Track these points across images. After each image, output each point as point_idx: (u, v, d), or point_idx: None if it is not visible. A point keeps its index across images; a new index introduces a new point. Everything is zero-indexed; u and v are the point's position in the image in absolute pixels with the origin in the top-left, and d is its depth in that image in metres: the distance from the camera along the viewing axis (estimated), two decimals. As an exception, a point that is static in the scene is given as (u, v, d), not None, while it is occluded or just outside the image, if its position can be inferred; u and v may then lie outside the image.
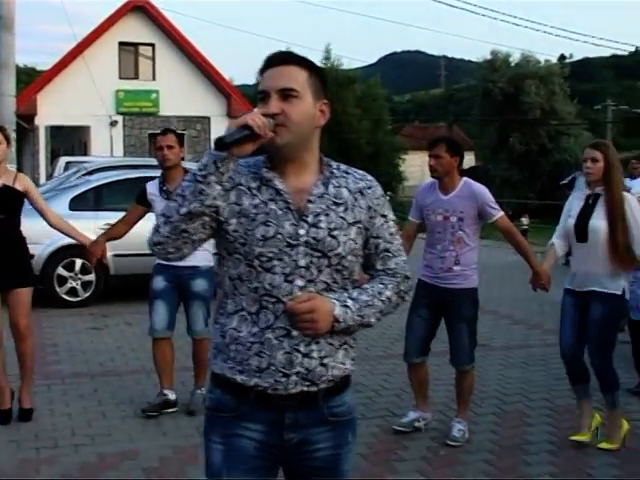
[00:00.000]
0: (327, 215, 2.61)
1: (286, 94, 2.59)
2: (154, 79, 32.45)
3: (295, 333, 2.57)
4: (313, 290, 2.59)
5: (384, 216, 2.75)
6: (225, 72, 34.02)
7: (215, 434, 2.70)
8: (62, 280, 11.40)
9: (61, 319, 10.49)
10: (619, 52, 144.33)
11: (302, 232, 2.57)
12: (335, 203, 2.63)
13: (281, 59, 2.65)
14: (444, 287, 5.92)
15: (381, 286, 2.72)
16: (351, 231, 2.64)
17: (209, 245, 5.41)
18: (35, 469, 5.36)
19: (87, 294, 11.58)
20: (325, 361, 2.62)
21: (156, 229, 2.57)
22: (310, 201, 2.61)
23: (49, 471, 5.31)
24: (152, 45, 32.37)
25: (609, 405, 5.88)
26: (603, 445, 5.79)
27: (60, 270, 11.31)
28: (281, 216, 2.57)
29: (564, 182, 17.68)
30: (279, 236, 2.56)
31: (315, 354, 2.60)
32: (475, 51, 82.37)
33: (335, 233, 2.60)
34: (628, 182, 13.87)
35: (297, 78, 2.61)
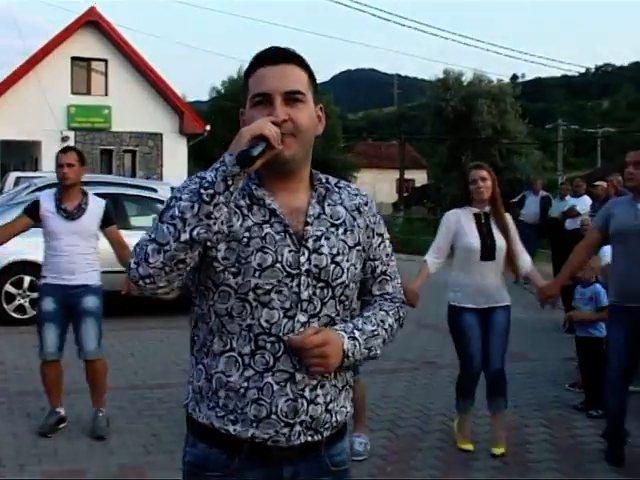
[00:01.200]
0: (328, 239, 2.29)
1: (293, 98, 2.27)
2: (106, 95, 32.28)
3: (299, 377, 2.23)
4: (316, 326, 2.26)
5: (381, 235, 2.46)
6: (178, 88, 34.00)
7: None
8: (10, 297, 11.24)
9: (9, 337, 10.35)
10: (570, 72, 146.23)
11: (303, 260, 2.24)
12: (333, 224, 2.32)
13: (282, 56, 2.31)
14: None
15: (383, 313, 2.43)
16: (352, 255, 2.34)
17: (98, 264, 5.32)
18: (-22, 489, 5.29)
19: (35, 312, 11.41)
20: (330, 406, 2.30)
21: (143, 259, 2.10)
22: (308, 223, 2.28)
23: (-8, 491, 5.25)
24: (105, 61, 32.23)
25: (502, 407, 6.10)
26: (497, 450, 5.99)
27: (8, 287, 11.17)
28: (279, 241, 2.23)
29: (514, 200, 17.90)
30: (278, 265, 2.21)
31: (321, 399, 2.27)
32: (428, 70, 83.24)
33: (338, 259, 2.29)
34: (572, 200, 14.11)
35: (301, 79, 2.31)
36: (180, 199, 2.12)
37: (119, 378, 7.77)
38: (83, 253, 6.34)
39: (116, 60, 32.07)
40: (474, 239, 5.90)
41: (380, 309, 2.44)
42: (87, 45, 31.72)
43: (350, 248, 2.33)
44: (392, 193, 55.87)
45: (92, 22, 31.52)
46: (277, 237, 2.23)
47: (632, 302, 5.66)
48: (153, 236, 2.10)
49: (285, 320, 2.22)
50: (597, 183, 13.91)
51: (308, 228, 2.27)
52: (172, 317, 10.36)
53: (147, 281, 2.12)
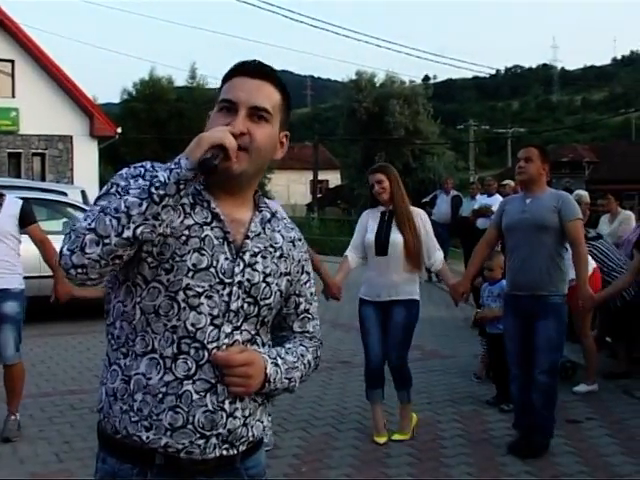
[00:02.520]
0: (264, 258, 2.26)
1: (257, 114, 2.24)
2: (13, 96, 31.60)
3: (220, 388, 2.15)
4: (239, 339, 2.20)
5: (308, 274, 2.43)
6: (88, 90, 33.49)
7: None
8: None
9: None
10: (481, 74, 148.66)
11: (237, 270, 2.19)
12: (272, 246, 2.30)
13: (260, 71, 2.29)
14: None
15: (303, 348, 2.39)
16: (282, 282, 2.31)
17: (20, 267, 5.22)
18: None
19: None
20: (247, 420, 2.23)
21: (79, 247, 2.01)
22: (248, 237, 2.25)
23: None
24: (11, 61, 31.56)
25: (404, 400, 6.42)
26: (396, 437, 6.33)
27: None
28: (217, 247, 2.18)
29: (426, 200, 18.09)
30: (212, 269, 2.16)
31: (239, 413, 2.20)
32: (341, 71, 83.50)
33: (269, 280, 2.26)
34: (484, 199, 14.31)
35: (272, 98, 2.29)
36: (127, 192, 2.05)
37: (30, 386, 7.60)
38: (1, 256, 6.20)
39: (23, 61, 31.42)
40: (371, 235, 6.25)
41: (300, 344, 2.40)
42: (-7, 46, 31.07)
43: (282, 274, 2.30)
44: (306, 194, 55.96)
45: (-2, 22, 30.88)
46: (215, 242, 2.18)
47: (521, 291, 6.01)
48: (93, 225, 2.01)
49: (211, 327, 2.16)
50: (505, 182, 14.16)
51: (247, 241, 2.24)
52: (91, 322, 10.22)
53: (79, 271, 2.02)
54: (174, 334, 2.14)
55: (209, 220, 2.19)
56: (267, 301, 2.25)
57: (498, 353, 7.01)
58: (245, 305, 2.20)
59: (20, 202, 6.44)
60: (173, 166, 2.06)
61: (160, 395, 2.13)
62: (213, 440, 2.16)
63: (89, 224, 2.02)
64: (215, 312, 2.16)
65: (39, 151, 32.26)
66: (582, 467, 5.71)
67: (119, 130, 31.90)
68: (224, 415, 2.16)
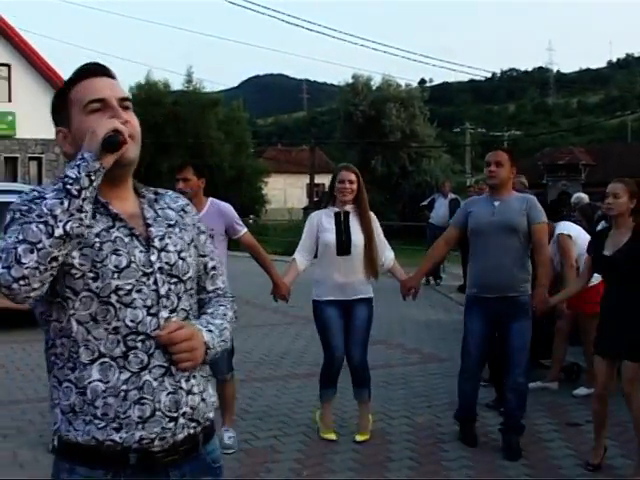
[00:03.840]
0: (170, 237, 2.38)
1: (124, 105, 2.37)
2: (10, 101, 31.63)
3: (174, 369, 2.26)
4: (177, 320, 2.32)
5: (204, 232, 2.57)
6: (85, 94, 33.45)
7: None
8: None
9: None
10: (476, 77, 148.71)
11: (154, 258, 2.30)
12: (170, 225, 2.42)
13: (103, 71, 2.41)
14: None
15: (222, 308, 2.53)
16: (191, 251, 2.44)
17: None
18: None
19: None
20: (204, 396, 2.37)
21: (14, 261, 2.03)
22: (149, 225, 2.36)
23: None
24: (8, 65, 31.59)
25: (364, 399, 6.55)
26: (360, 438, 6.43)
27: None
28: (129, 243, 2.28)
29: (424, 204, 18.08)
30: (133, 265, 2.25)
31: (196, 389, 2.33)
32: (337, 75, 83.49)
33: (183, 255, 2.38)
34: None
35: (123, 89, 2.45)
36: (42, 200, 2.10)
37: (29, 391, 7.61)
38: None
39: (19, 65, 31.45)
40: (331, 235, 6.30)
41: (219, 304, 2.54)
42: (-11, 50, 31.06)
43: (188, 244, 2.44)
44: (303, 198, 55.93)
45: (-6, 26, 30.88)
46: (126, 239, 2.28)
47: (489, 293, 6.14)
48: (21, 237, 2.05)
49: (149, 318, 2.25)
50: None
51: (151, 229, 2.35)
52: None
53: (21, 283, 2.04)
54: (117, 334, 2.22)
55: (112, 223, 2.29)
56: (188, 275, 2.39)
57: (499, 356, 7.00)
58: (172, 287, 2.32)
59: None
60: (79, 162, 2.16)
61: (122, 393, 2.20)
62: (181, 420, 2.27)
63: (16, 238, 2.05)
64: (148, 303, 2.27)
65: (36, 155, 32.29)
66: (583, 470, 5.72)
67: (115, 134, 31.83)
68: (184, 393, 2.28)
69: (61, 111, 2.38)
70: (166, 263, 2.32)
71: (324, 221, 6.39)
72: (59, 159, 32.22)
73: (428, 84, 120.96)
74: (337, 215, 6.37)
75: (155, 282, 2.28)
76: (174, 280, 2.33)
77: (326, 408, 6.54)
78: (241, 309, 13.59)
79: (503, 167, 6.15)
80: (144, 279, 2.26)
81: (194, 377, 2.33)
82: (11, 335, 10.94)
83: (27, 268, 2.03)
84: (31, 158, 32.31)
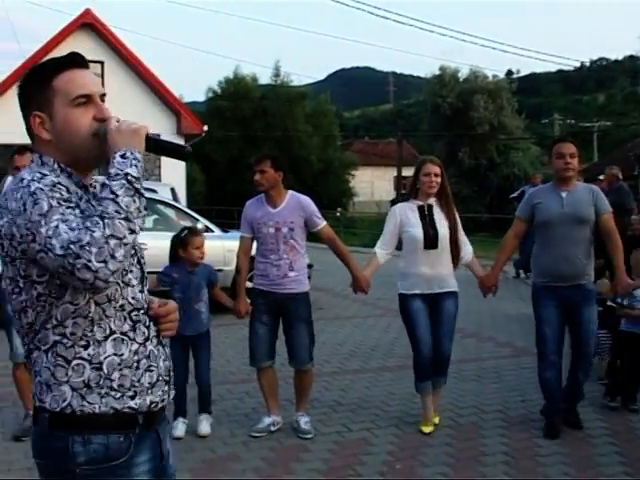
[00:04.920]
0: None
1: (103, 100, 2.50)
2: (103, 97, 32.24)
3: (161, 338, 2.54)
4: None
5: None
6: (175, 89, 33.94)
7: None
8: None
9: None
10: (565, 67, 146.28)
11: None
12: None
13: (85, 62, 2.54)
14: (281, 293, 6.34)
15: None
16: None
17: None
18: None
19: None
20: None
21: (109, 255, 2.13)
22: None
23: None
24: (101, 63, 32.17)
25: (441, 385, 6.67)
26: (436, 420, 6.60)
27: None
28: None
29: (514, 195, 17.90)
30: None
31: (168, 355, 2.61)
32: (424, 67, 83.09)
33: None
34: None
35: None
36: (115, 195, 2.19)
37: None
38: None
39: (112, 62, 32.01)
40: (418, 230, 6.31)
41: None
42: (83, 47, 31.54)
43: None
44: (390, 190, 55.82)
45: (87, 24, 31.49)
46: None
47: (564, 282, 6.26)
48: (109, 232, 2.13)
49: (140, 294, 2.47)
50: (601, 176, 14.02)
51: None
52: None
53: (115, 276, 2.18)
54: (124, 311, 2.40)
55: None
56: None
57: (632, 354, 6.92)
58: (144, 266, 2.55)
59: None
60: (134, 161, 2.29)
61: (135, 364, 2.41)
62: (171, 383, 2.56)
63: (102, 233, 2.14)
64: (136, 282, 2.46)
65: None
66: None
67: (205, 128, 32.24)
68: (168, 360, 2.57)
69: (39, 96, 2.43)
70: (137, 245, 2.48)
71: (409, 215, 6.41)
72: (149, 154, 32.72)
73: (516, 75, 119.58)
74: (421, 208, 6.40)
75: (139, 262, 2.51)
76: (143, 260, 2.55)
77: (425, 401, 6.54)
78: (330, 301, 13.72)
79: (576, 158, 6.30)
80: (133, 260, 2.45)
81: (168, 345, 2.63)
82: None
83: (120, 262, 2.16)
84: (123, 152, 32.91)
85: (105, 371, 2.35)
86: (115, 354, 2.36)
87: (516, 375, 8.27)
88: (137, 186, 2.23)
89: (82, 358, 2.34)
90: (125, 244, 2.16)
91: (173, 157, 2.59)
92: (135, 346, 2.41)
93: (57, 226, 2.15)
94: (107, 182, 2.22)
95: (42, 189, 2.22)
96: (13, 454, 5.93)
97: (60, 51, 29.36)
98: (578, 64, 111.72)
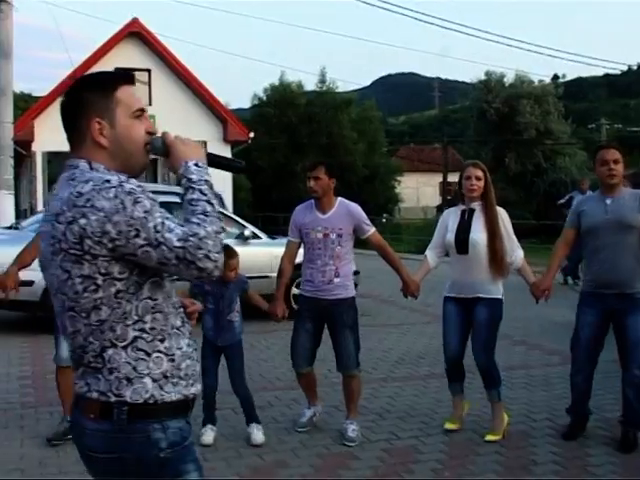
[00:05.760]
0: None
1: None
2: (150, 104, 32.46)
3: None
4: None
5: None
6: (221, 96, 34.11)
7: (192, 471, 2.64)
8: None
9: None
10: (612, 71, 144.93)
11: None
12: None
13: (135, 78, 2.74)
14: (326, 299, 6.37)
15: None
16: None
17: None
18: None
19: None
20: None
21: (221, 246, 2.44)
22: None
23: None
24: (148, 70, 32.46)
25: (493, 399, 6.52)
26: (489, 437, 6.39)
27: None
28: None
29: (561, 202, 17.74)
30: None
31: None
32: (469, 72, 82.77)
33: None
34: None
35: None
36: (206, 196, 2.49)
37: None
38: None
39: (159, 70, 32.30)
40: (451, 234, 6.41)
41: None
42: (130, 56, 31.96)
43: None
44: (436, 196, 55.75)
45: (134, 33, 31.80)
46: None
47: (609, 289, 6.20)
48: (215, 227, 2.42)
49: (175, 294, 2.68)
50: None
51: None
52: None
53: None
54: (174, 308, 2.62)
55: None
56: None
57: None
58: None
59: None
60: (204, 170, 2.58)
61: (191, 355, 2.64)
62: None
63: (212, 228, 2.42)
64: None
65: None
66: None
67: (251, 135, 32.37)
68: None
69: (101, 103, 2.58)
70: None
71: (451, 219, 6.49)
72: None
73: (562, 79, 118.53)
74: (463, 212, 6.43)
75: None
76: None
77: (454, 401, 6.71)
78: (378, 308, 13.71)
79: (620, 164, 6.27)
80: None
81: None
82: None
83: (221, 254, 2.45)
84: (170, 159, 33.16)
85: (176, 362, 2.57)
86: (179, 348, 2.59)
87: (565, 383, 8.14)
88: (215, 191, 2.54)
89: (160, 351, 2.54)
90: (222, 239, 2.45)
91: (227, 170, 2.87)
92: (186, 340, 2.63)
93: (163, 222, 2.38)
94: (194, 186, 2.50)
95: (135, 189, 2.40)
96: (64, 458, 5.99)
97: (109, 59, 29.72)
98: (625, 68, 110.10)
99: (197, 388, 2.67)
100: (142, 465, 2.53)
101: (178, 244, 2.34)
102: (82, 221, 2.36)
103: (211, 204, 2.46)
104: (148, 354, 2.51)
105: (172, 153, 2.62)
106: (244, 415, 6.51)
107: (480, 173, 6.34)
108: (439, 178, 46.34)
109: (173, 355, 2.56)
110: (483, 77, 48.02)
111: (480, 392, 7.41)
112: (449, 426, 6.60)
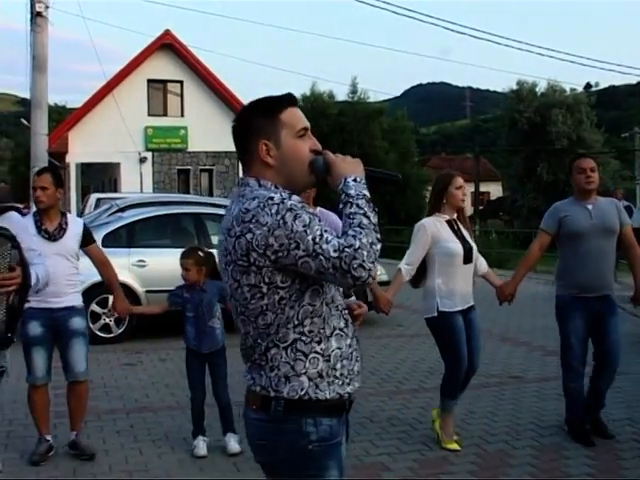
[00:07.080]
0: None
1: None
2: (182, 115, 32.73)
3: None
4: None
5: None
6: (252, 107, 34.22)
7: (333, 468, 2.80)
8: (96, 316, 11.39)
9: (95, 355, 10.44)
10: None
11: None
12: None
13: (297, 102, 2.89)
14: None
15: None
16: None
17: (80, 285, 5.60)
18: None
19: (120, 330, 11.60)
20: None
21: (375, 257, 2.60)
22: None
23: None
24: (180, 82, 32.70)
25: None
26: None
27: (94, 306, 11.27)
28: None
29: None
30: None
31: None
32: (500, 82, 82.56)
33: None
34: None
35: None
36: (364, 210, 2.67)
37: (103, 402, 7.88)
38: (66, 274, 6.17)
39: (191, 81, 32.52)
40: (456, 245, 6.27)
41: None
42: (163, 67, 32.23)
43: None
44: (467, 206, 55.54)
45: (167, 45, 32.04)
46: None
47: (592, 293, 6.42)
48: (371, 239, 2.60)
49: (341, 297, 2.86)
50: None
51: None
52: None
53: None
54: (338, 310, 2.81)
55: None
56: None
57: None
58: None
59: (82, 221, 6.61)
60: (363, 185, 2.77)
61: (350, 355, 2.81)
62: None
63: (367, 239, 2.60)
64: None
65: (207, 167, 33.27)
66: None
67: (282, 145, 32.37)
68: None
69: (267, 126, 2.79)
70: None
71: (441, 230, 6.28)
72: (228, 171, 33.11)
73: (594, 88, 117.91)
74: (449, 223, 6.35)
75: None
76: None
77: (449, 419, 6.55)
78: (409, 318, 13.59)
79: (596, 172, 6.52)
80: None
81: None
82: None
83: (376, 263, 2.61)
84: (202, 170, 33.32)
85: (332, 362, 2.75)
86: (338, 347, 2.76)
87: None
88: (371, 204, 2.69)
89: (317, 352, 2.73)
90: (377, 249, 2.60)
91: (384, 183, 3.06)
92: (348, 340, 2.82)
93: (321, 235, 2.58)
94: (351, 200, 2.69)
95: (296, 205, 2.61)
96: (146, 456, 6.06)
97: (142, 70, 30.00)
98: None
99: (354, 386, 2.81)
100: (291, 453, 2.74)
101: (334, 255, 2.54)
102: (248, 235, 2.61)
103: (367, 217, 2.64)
104: (305, 355, 2.72)
105: (332, 171, 2.79)
106: (221, 424, 6.52)
107: (460, 181, 6.43)
108: (471, 188, 45.99)
109: (329, 356, 2.74)
110: (515, 86, 47.79)
111: (512, 402, 7.40)
112: (453, 447, 6.39)
